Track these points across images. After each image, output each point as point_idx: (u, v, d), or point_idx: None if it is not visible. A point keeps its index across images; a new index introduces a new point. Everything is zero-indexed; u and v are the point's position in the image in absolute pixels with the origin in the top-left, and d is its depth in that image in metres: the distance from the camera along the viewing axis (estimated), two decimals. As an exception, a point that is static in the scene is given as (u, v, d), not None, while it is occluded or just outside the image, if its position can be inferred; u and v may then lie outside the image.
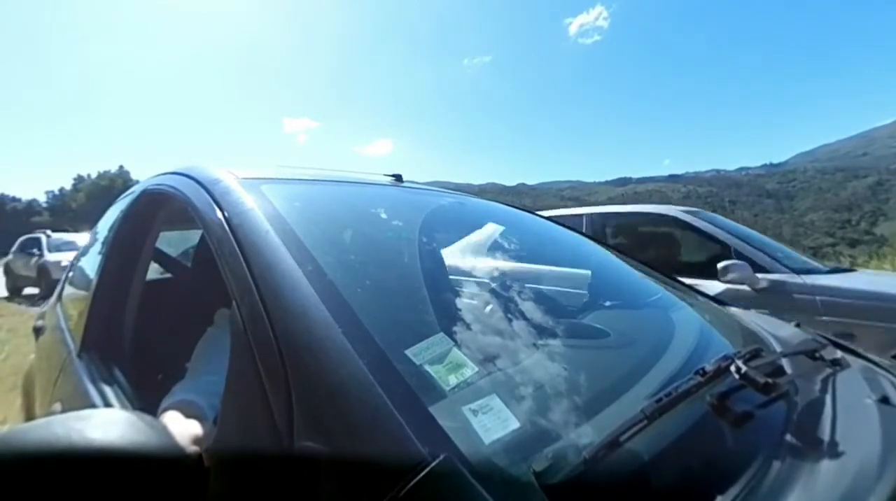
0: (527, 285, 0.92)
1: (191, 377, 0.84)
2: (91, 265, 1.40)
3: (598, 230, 3.31)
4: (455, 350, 0.58)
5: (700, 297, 1.21)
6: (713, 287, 2.45)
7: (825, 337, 0.94)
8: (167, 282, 1.79)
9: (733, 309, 1.17)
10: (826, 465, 0.52)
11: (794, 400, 0.64)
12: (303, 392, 0.47)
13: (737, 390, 0.60)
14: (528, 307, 0.79)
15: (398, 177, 1.46)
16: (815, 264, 2.84)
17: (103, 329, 1.09)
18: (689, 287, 1.26)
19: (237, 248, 0.65)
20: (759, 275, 2.47)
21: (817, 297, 2.31)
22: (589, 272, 1.15)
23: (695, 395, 0.57)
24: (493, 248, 1.10)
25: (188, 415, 0.68)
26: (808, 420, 0.61)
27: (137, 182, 1.52)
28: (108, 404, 0.84)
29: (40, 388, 1.36)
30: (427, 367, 0.54)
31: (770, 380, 0.59)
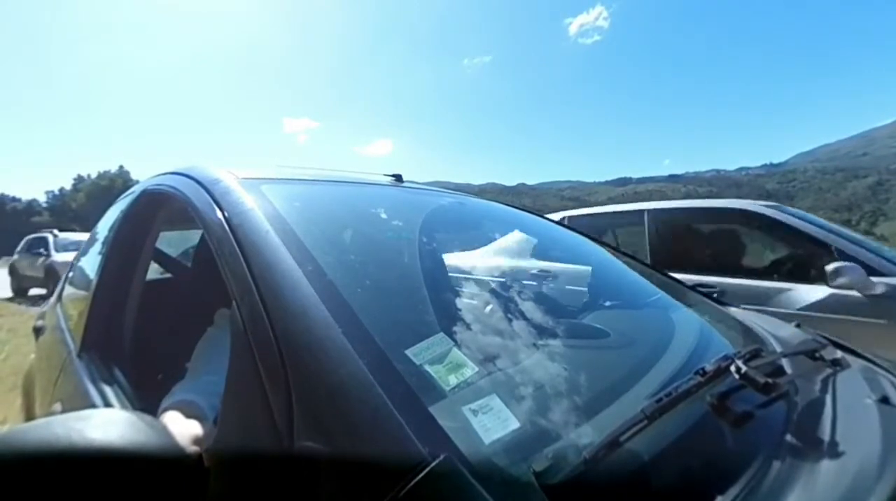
0: (536, 283, 0.92)
1: (191, 377, 0.84)
2: (91, 265, 1.40)
3: (663, 228, 2.81)
4: (455, 350, 0.58)
5: (700, 297, 1.21)
6: (814, 293, 2.11)
7: (825, 338, 0.94)
8: (167, 282, 1.79)
9: (733, 309, 1.17)
10: (826, 465, 0.52)
11: (794, 400, 0.64)
12: (303, 392, 0.47)
13: (737, 390, 0.60)
14: (528, 307, 0.79)
15: (398, 177, 1.46)
16: None
17: (103, 329, 1.09)
18: (690, 287, 1.26)
19: (237, 248, 0.65)
20: (875, 279, 2.03)
21: None
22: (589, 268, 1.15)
23: (695, 395, 0.57)
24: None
25: (188, 415, 0.68)
26: (808, 420, 0.61)
27: (137, 182, 1.52)
28: (108, 404, 0.84)
29: (40, 388, 1.36)
30: (427, 367, 0.54)
31: (770, 380, 0.59)
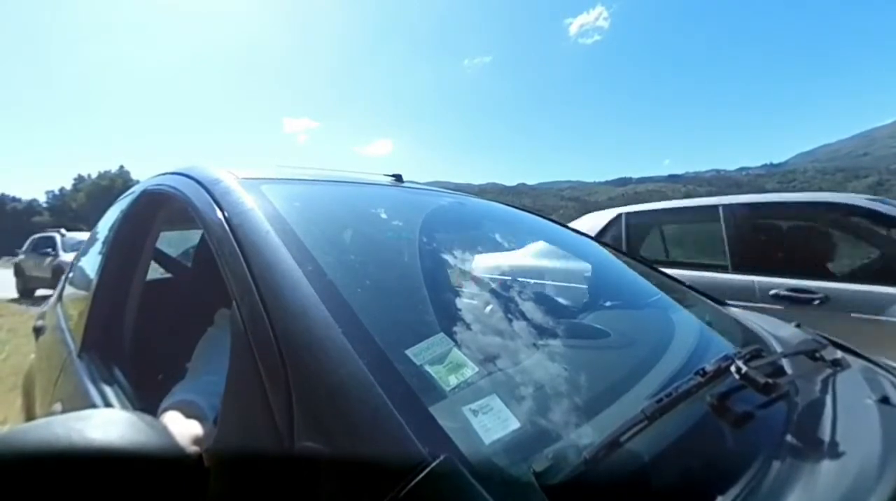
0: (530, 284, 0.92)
1: (191, 377, 0.84)
2: (91, 265, 1.40)
3: (744, 225, 2.47)
4: (455, 350, 0.58)
5: (700, 297, 1.21)
6: None
7: (825, 338, 0.94)
8: (167, 282, 1.79)
9: (733, 310, 1.17)
10: (826, 465, 0.52)
11: (795, 401, 0.64)
12: (303, 392, 0.47)
13: (737, 390, 0.60)
14: (529, 307, 0.79)
15: (398, 177, 1.46)
16: None
17: (103, 329, 1.09)
18: (689, 287, 1.26)
19: (237, 248, 0.65)
20: None
21: None
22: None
23: (695, 395, 0.57)
24: (492, 249, 1.10)
25: (188, 415, 0.68)
26: (808, 420, 0.61)
27: (137, 182, 1.52)
28: (108, 404, 0.84)
29: (40, 388, 1.36)
30: (427, 367, 0.54)
31: (770, 381, 0.59)
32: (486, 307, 0.76)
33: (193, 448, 0.51)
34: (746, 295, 2.21)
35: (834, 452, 0.54)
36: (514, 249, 1.19)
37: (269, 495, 0.47)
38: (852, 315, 1.93)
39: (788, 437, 0.57)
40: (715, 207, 2.61)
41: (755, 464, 0.51)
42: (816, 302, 2.03)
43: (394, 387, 0.47)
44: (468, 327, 0.67)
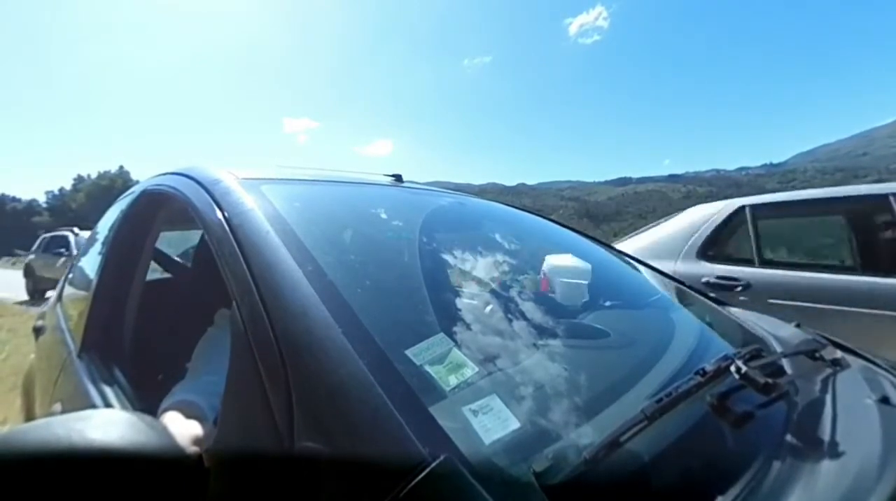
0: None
1: (191, 377, 0.84)
2: (91, 265, 1.40)
3: None
4: (455, 350, 0.58)
5: (700, 297, 1.21)
6: None
7: (825, 338, 0.94)
8: (167, 282, 1.79)
9: (733, 310, 1.17)
10: (826, 465, 0.52)
11: (795, 401, 0.64)
12: (303, 392, 0.47)
13: (737, 390, 0.60)
14: (528, 307, 0.79)
15: (398, 178, 1.46)
16: None
17: (103, 329, 1.09)
18: (690, 287, 1.26)
19: (237, 249, 0.65)
20: None
21: None
22: None
23: (695, 395, 0.57)
24: (492, 249, 1.10)
25: (188, 416, 0.68)
26: (808, 420, 0.61)
27: (137, 182, 1.52)
28: (108, 404, 0.84)
29: (40, 388, 1.36)
30: (427, 367, 0.54)
31: (770, 381, 0.59)
32: (486, 307, 0.76)
33: (193, 449, 0.51)
34: None
35: (834, 452, 0.54)
36: (514, 249, 1.19)
37: (270, 495, 0.47)
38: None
39: (788, 437, 0.57)
40: (885, 196, 2.08)
41: (755, 464, 0.51)
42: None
43: (394, 387, 0.47)
44: (468, 327, 0.67)
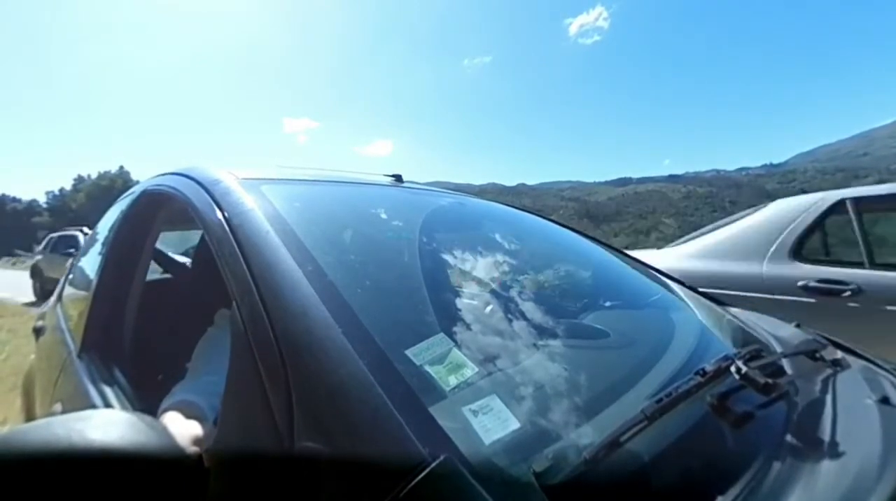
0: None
1: (191, 377, 0.84)
2: (91, 265, 1.40)
3: None
4: (455, 350, 0.58)
5: (700, 297, 1.21)
6: None
7: (826, 338, 0.94)
8: (167, 283, 1.79)
9: (734, 310, 1.17)
10: (826, 466, 0.52)
11: (795, 401, 0.64)
12: (303, 392, 0.48)
13: (737, 390, 0.60)
14: (528, 307, 0.79)
15: (398, 178, 1.46)
16: None
17: (103, 329, 1.09)
18: (690, 287, 1.26)
19: (237, 249, 0.65)
20: None
21: None
22: None
23: (695, 396, 0.57)
24: (492, 249, 1.10)
25: (188, 416, 0.68)
26: (808, 420, 0.61)
27: (137, 182, 1.52)
28: (108, 404, 0.84)
29: (40, 389, 1.36)
30: (427, 367, 0.54)
31: (770, 381, 0.59)
32: (486, 307, 0.76)
33: (193, 449, 0.51)
34: None
35: (834, 452, 0.54)
36: (513, 250, 1.19)
37: (270, 495, 0.47)
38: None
39: (788, 437, 0.57)
40: None
41: (755, 464, 0.51)
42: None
43: (394, 387, 0.47)
44: (468, 327, 0.67)
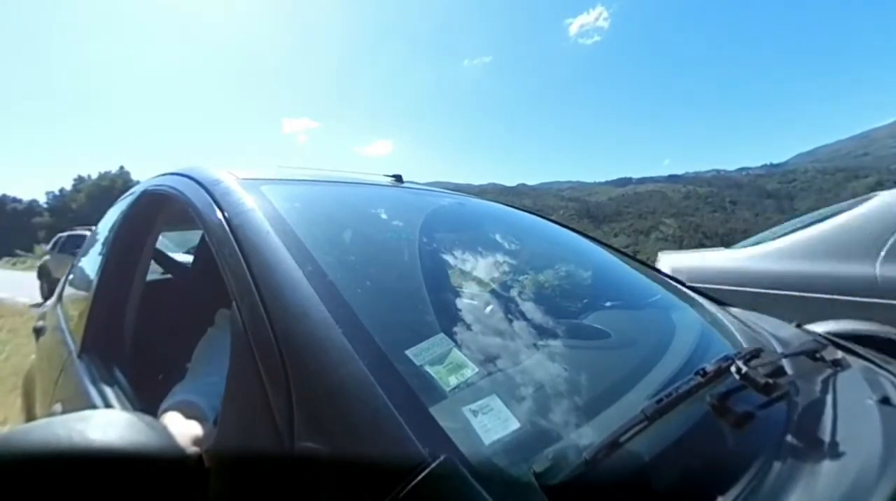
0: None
1: (191, 377, 0.84)
2: (91, 265, 1.40)
3: None
4: (455, 350, 0.58)
5: (700, 298, 1.21)
6: None
7: (826, 338, 0.94)
8: (167, 283, 1.79)
9: (734, 310, 1.17)
10: (827, 466, 0.52)
11: (795, 401, 0.64)
12: (303, 392, 0.48)
13: (737, 390, 0.60)
14: (529, 307, 0.79)
15: (398, 178, 1.46)
16: None
17: (104, 329, 1.09)
18: (690, 287, 1.26)
19: (237, 249, 0.65)
20: None
21: None
22: None
23: (695, 396, 0.57)
24: (492, 250, 1.10)
25: (188, 416, 0.68)
26: (808, 420, 0.61)
27: (138, 182, 1.52)
28: (108, 405, 0.84)
29: (41, 389, 1.36)
30: (427, 368, 0.54)
31: (770, 381, 0.59)
32: (486, 307, 0.76)
33: (193, 449, 0.51)
34: None
35: (834, 452, 0.53)
36: (514, 250, 1.19)
37: (270, 495, 0.47)
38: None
39: (789, 437, 0.57)
40: None
41: (755, 464, 0.51)
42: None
43: (394, 388, 0.47)
44: (468, 327, 0.67)
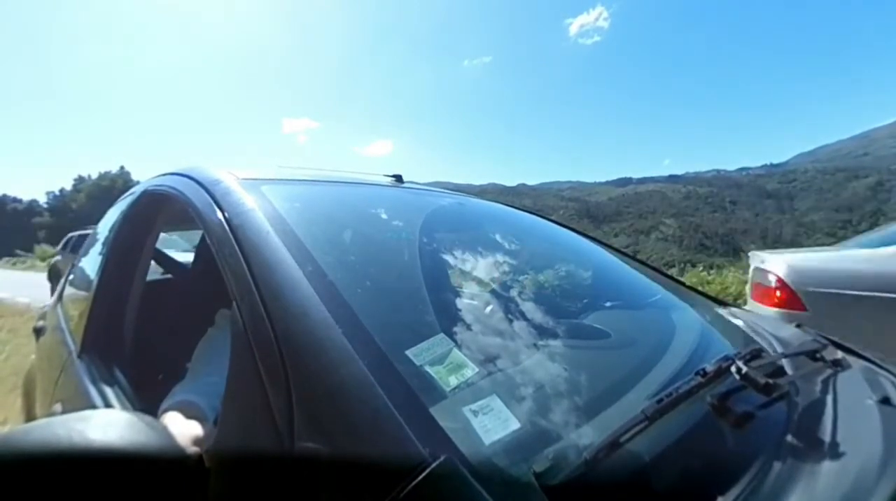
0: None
1: (191, 377, 0.84)
2: (92, 265, 1.40)
3: None
4: (455, 350, 0.58)
5: (700, 297, 1.21)
6: None
7: (826, 338, 0.94)
8: (168, 283, 1.79)
9: (734, 310, 1.17)
10: (827, 466, 0.51)
11: (795, 401, 0.64)
12: (303, 392, 0.48)
13: (737, 391, 0.60)
14: (529, 307, 0.79)
15: (398, 178, 1.46)
16: None
17: (104, 329, 1.09)
18: (690, 287, 1.26)
19: (237, 249, 0.65)
20: None
21: None
22: None
23: (695, 396, 0.57)
24: (492, 250, 1.10)
25: (188, 416, 0.68)
26: (808, 420, 0.61)
27: (138, 182, 1.52)
28: (108, 405, 0.84)
29: (41, 389, 1.36)
30: (427, 368, 0.54)
31: (771, 381, 0.58)
32: (487, 307, 0.76)
33: (194, 449, 0.51)
34: None
35: (834, 453, 0.53)
36: (514, 250, 1.19)
37: (270, 495, 0.47)
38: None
39: (789, 438, 0.57)
40: None
41: (755, 465, 0.51)
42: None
43: (394, 388, 0.47)
44: (468, 327, 0.67)
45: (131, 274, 1.15)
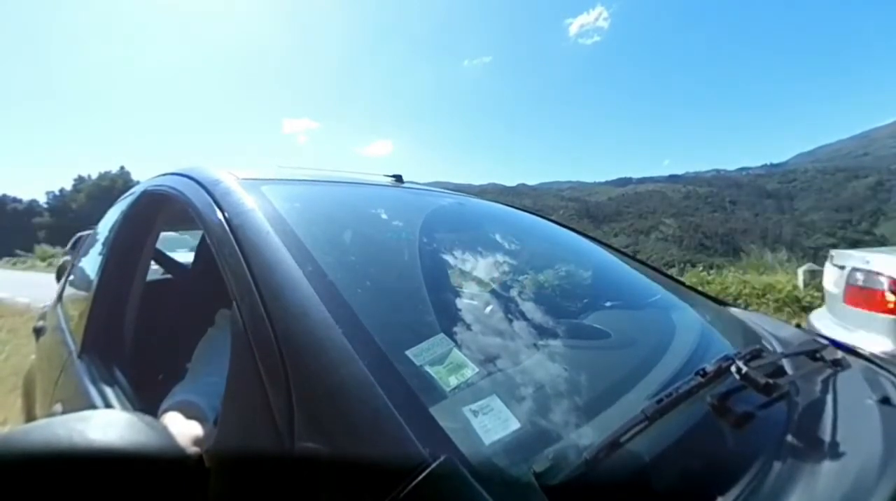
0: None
1: (191, 378, 0.84)
2: (92, 266, 1.40)
3: None
4: (455, 350, 0.58)
5: (701, 297, 1.21)
6: None
7: (826, 338, 0.94)
8: (168, 283, 1.79)
9: (734, 310, 1.17)
10: (827, 466, 0.52)
11: (795, 401, 0.64)
12: (303, 392, 0.47)
13: (737, 391, 0.60)
14: (529, 307, 0.79)
15: (398, 178, 1.46)
16: None
17: (104, 329, 1.09)
18: (690, 287, 1.26)
19: (237, 249, 0.65)
20: None
21: None
22: None
23: (695, 396, 0.57)
24: (492, 250, 1.10)
25: (188, 416, 0.68)
26: (808, 420, 0.61)
27: (138, 182, 1.52)
28: (108, 405, 0.84)
29: (41, 389, 1.36)
30: (427, 368, 0.54)
31: (771, 381, 0.58)
32: (487, 307, 0.76)
33: (194, 449, 0.51)
34: None
35: (834, 452, 0.53)
36: (514, 250, 1.19)
37: (270, 495, 0.47)
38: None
39: (789, 437, 0.57)
40: None
41: (756, 465, 0.51)
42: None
43: (394, 388, 0.47)
44: (468, 327, 0.67)
45: (131, 274, 1.15)
